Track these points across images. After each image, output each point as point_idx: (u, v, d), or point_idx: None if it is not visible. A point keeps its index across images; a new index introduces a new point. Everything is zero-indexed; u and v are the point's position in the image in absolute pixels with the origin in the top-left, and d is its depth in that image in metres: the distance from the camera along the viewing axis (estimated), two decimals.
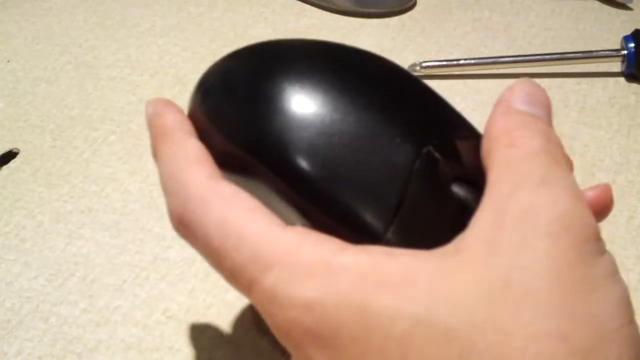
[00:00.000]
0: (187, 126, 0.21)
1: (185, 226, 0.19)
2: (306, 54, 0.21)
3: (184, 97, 0.49)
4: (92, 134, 0.45)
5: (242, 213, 0.18)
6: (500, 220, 0.17)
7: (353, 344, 0.16)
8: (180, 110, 0.22)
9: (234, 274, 0.18)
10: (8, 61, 0.53)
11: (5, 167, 0.43)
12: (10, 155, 0.44)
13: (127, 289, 0.35)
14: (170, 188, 0.20)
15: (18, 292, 0.36)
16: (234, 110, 0.20)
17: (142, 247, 0.37)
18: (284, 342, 0.18)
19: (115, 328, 0.33)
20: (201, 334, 0.33)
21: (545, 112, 0.20)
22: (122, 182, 0.41)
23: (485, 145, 0.19)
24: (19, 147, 0.45)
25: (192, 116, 0.22)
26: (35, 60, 0.52)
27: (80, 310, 0.34)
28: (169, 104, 0.22)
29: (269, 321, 0.18)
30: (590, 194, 0.21)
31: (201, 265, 0.36)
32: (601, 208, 0.21)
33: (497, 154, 0.19)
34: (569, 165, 0.19)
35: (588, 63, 0.48)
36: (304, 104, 0.19)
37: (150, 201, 0.40)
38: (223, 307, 0.34)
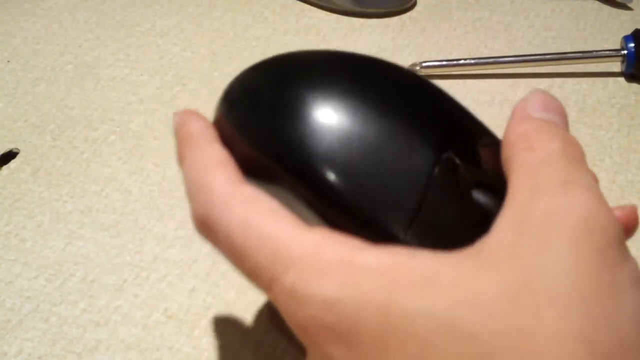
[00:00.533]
0: (212, 133, 0.22)
1: (207, 227, 0.19)
2: (327, 65, 0.22)
3: (183, 97, 0.49)
4: (92, 134, 0.45)
5: (263, 214, 0.19)
6: (522, 223, 0.17)
7: (373, 343, 0.16)
8: (205, 119, 0.23)
9: (255, 273, 0.18)
10: (8, 61, 0.53)
11: (5, 167, 0.43)
12: (10, 155, 0.44)
13: (127, 289, 0.35)
14: (193, 191, 0.20)
15: (18, 292, 0.36)
16: (260, 119, 0.21)
17: (142, 247, 0.37)
18: (302, 339, 0.18)
19: (115, 328, 0.33)
20: (201, 334, 0.33)
21: (561, 118, 0.20)
22: (122, 182, 0.41)
23: (505, 152, 0.19)
24: (19, 147, 0.45)
25: (218, 125, 0.23)
26: (35, 60, 0.53)
27: (80, 310, 0.34)
28: (195, 113, 0.23)
29: (288, 319, 0.18)
30: (616, 214, 0.21)
31: (201, 265, 0.36)
32: (626, 229, 0.21)
33: (516, 158, 0.19)
34: (593, 177, 0.19)
35: (588, 63, 0.48)
36: (326, 113, 0.20)
37: (150, 201, 0.40)
38: (223, 307, 0.34)
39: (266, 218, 0.18)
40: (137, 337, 0.33)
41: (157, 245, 0.38)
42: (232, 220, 0.19)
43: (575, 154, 0.19)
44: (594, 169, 0.41)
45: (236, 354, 0.32)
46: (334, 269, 0.17)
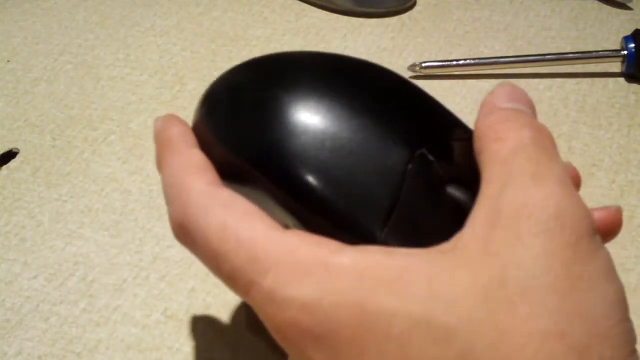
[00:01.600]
0: (191, 138, 0.22)
1: (185, 232, 0.20)
2: (302, 67, 0.22)
3: (183, 97, 0.49)
4: (92, 134, 0.45)
5: (240, 217, 0.19)
6: (495, 218, 0.17)
7: (352, 344, 0.16)
8: (185, 124, 0.23)
9: (233, 277, 0.18)
10: (8, 61, 0.53)
11: (5, 167, 0.43)
12: (10, 155, 0.44)
13: (127, 289, 0.35)
14: (171, 195, 0.20)
15: (18, 292, 0.36)
16: (235, 123, 0.21)
17: (142, 247, 0.37)
18: (282, 343, 0.18)
19: (115, 328, 0.33)
20: (201, 334, 0.33)
21: (529, 107, 0.20)
22: (122, 182, 0.42)
23: (476, 146, 0.20)
24: (19, 147, 0.45)
25: (197, 129, 0.23)
26: (35, 60, 0.53)
27: (80, 310, 0.34)
28: (175, 118, 0.23)
29: (267, 323, 0.18)
30: (600, 215, 0.21)
31: (201, 265, 0.36)
32: (609, 231, 0.21)
33: (486, 151, 0.19)
34: (565, 166, 0.19)
35: (588, 64, 0.48)
36: (299, 115, 0.20)
37: (150, 201, 0.40)
38: (223, 307, 0.34)
39: (244, 221, 0.18)
40: (137, 337, 0.33)
41: (157, 245, 0.38)
42: (210, 224, 0.19)
43: (545, 143, 0.19)
44: (594, 169, 0.41)
45: (236, 354, 0.32)
46: (310, 271, 0.17)
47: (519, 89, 0.21)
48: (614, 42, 0.51)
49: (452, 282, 0.16)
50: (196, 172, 0.20)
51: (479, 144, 0.19)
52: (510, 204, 0.17)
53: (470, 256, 0.17)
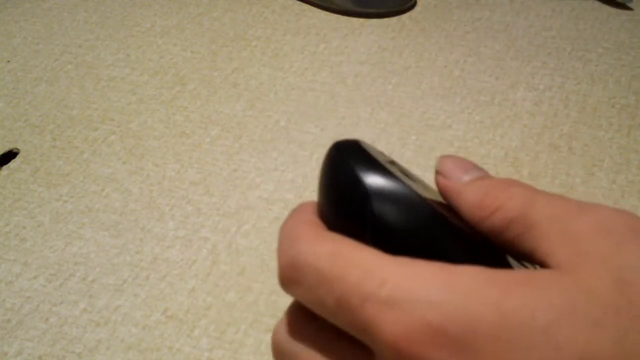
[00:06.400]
0: (312, 209, 0.22)
1: (295, 269, 0.19)
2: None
3: (183, 97, 0.49)
4: (92, 134, 0.45)
5: (351, 245, 0.19)
6: (574, 241, 0.18)
7: (494, 343, 0.16)
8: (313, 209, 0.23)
9: (344, 299, 0.18)
10: (8, 61, 0.53)
11: (5, 167, 0.43)
12: (10, 155, 0.44)
13: (127, 289, 0.35)
14: (282, 244, 0.20)
15: (18, 292, 0.36)
16: (349, 229, 0.21)
17: (142, 247, 0.37)
18: (404, 355, 0.17)
19: (115, 328, 0.33)
20: (201, 334, 0.33)
21: (479, 169, 0.21)
22: (122, 182, 0.41)
23: (478, 218, 0.20)
24: (19, 147, 0.45)
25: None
26: (35, 60, 0.52)
27: (80, 310, 0.34)
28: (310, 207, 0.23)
29: (385, 337, 0.17)
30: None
31: (201, 265, 0.36)
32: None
33: (501, 216, 0.19)
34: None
35: (588, 62, 0.48)
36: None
37: (150, 201, 0.40)
38: (223, 307, 0.34)
39: (355, 247, 0.19)
40: (137, 337, 0.33)
41: (157, 245, 0.38)
42: (320, 252, 0.19)
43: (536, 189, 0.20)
44: (594, 169, 0.41)
45: (236, 354, 0.32)
46: (430, 278, 0.17)
47: (459, 158, 0.21)
48: (613, 42, 0.51)
49: (582, 285, 0.17)
50: (306, 222, 0.21)
51: (481, 216, 0.20)
52: (580, 230, 0.18)
53: (585, 268, 0.17)
